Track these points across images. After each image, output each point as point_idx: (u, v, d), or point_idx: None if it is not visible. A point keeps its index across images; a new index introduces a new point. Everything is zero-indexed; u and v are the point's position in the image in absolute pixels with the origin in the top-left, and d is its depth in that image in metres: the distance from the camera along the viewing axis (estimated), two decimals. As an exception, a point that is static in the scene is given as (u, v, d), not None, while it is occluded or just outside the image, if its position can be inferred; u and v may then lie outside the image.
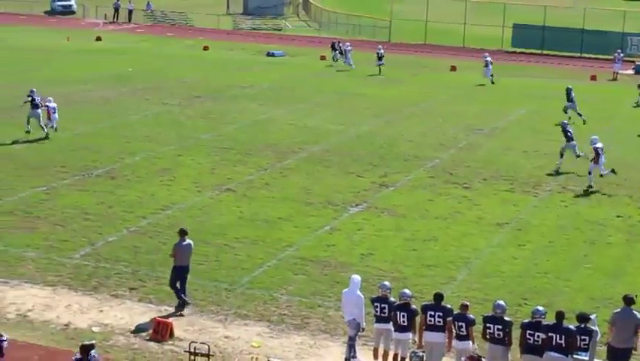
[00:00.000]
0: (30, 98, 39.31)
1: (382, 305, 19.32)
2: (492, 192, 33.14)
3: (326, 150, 38.43)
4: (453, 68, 64.64)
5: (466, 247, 27.26)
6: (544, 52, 76.48)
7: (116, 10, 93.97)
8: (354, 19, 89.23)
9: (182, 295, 22.23)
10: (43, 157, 35.48)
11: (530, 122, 46.44)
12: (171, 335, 20.62)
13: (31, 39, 73.50)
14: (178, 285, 22.20)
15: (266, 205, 30.62)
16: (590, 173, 33.80)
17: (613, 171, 33.95)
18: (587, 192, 33.35)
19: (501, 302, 18.72)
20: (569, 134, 36.50)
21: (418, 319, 19.04)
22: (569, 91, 46.27)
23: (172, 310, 22.07)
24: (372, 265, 25.33)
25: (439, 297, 19.06)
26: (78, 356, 16.12)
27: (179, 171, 34.36)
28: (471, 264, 25.89)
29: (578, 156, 36.10)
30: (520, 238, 28.19)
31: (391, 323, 19.22)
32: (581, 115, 45.27)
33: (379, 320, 19.41)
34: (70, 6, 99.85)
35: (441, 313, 18.78)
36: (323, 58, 68.02)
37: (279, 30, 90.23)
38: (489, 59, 57.95)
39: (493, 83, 56.92)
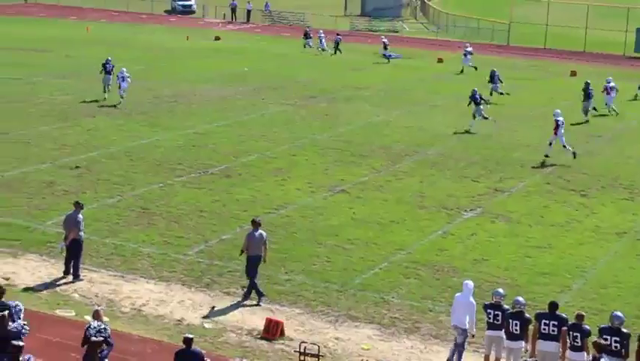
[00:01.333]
0: (105, 66, 46.74)
1: (495, 312, 19.04)
2: (610, 200, 32.41)
3: (441, 154, 38.13)
4: (573, 73, 63.38)
5: (582, 255, 26.71)
6: (669, 57, 74.60)
7: (233, 10, 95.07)
8: (472, 21, 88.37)
9: (257, 290, 22.60)
10: (160, 154, 36.05)
11: (652, 129, 45.34)
12: (282, 334, 20.69)
13: (153, 38, 74.88)
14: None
15: (379, 207, 30.53)
16: (550, 144, 37.72)
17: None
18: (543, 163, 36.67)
19: (619, 313, 18.20)
20: None
21: (530, 327, 18.71)
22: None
23: (284, 309, 22.16)
24: (485, 271, 25.00)
25: (554, 306, 18.68)
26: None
27: (293, 171, 34.51)
28: (587, 273, 25.35)
29: None
30: (639, 248, 27.50)
31: (503, 330, 18.93)
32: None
33: (491, 327, 19.13)
34: (191, 5, 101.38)
35: (555, 323, 18.40)
36: (440, 60, 67.59)
37: (396, 32, 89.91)
38: (469, 49, 61.71)
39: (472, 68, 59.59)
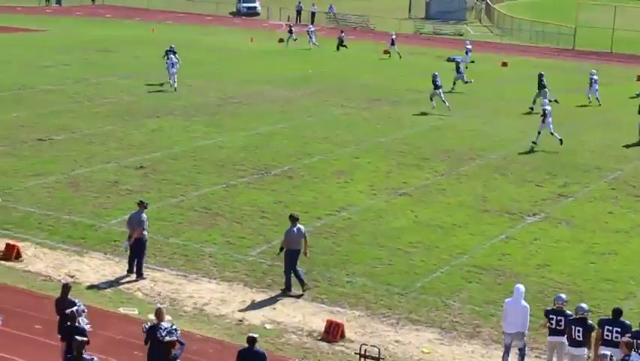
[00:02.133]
0: (167, 53, 51.51)
1: (558, 318, 18.87)
2: (677, 207, 31.95)
3: (504, 158, 37.88)
4: None
5: (647, 262, 26.37)
6: None
7: (298, 12, 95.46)
8: (538, 25, 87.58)
9: (300, 276, 23.12)
10: (224, 155, 36.28)
11: None
12: (342, 335, 20.72)
13: (217, 39, 75.39)
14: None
15: (441, 211, 30.42)
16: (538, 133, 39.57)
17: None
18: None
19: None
20: None
21: (593, 334, 18.52)
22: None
23: (345, 311, 22.20)
24: (548, 277, 24.79)
25: (618, 312, 18.47)
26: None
27: (356, 174, 34.52)
28: (652, 280, 25.02)
29: None
30: None
31: (565, 336, 18.76)
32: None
33: (553, 332, 18.97)
34: (255, 7, 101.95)
35: (619, 329, 18.18)
36: (504, 64, 67.13)
37: (461, 35, 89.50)
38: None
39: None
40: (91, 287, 22.94)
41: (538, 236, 28.25)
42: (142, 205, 23.86)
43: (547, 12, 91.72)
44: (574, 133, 43.21)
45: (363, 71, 61.11)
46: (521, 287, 19.43)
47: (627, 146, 40.80)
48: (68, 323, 16.86)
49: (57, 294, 18.68)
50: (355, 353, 19.52)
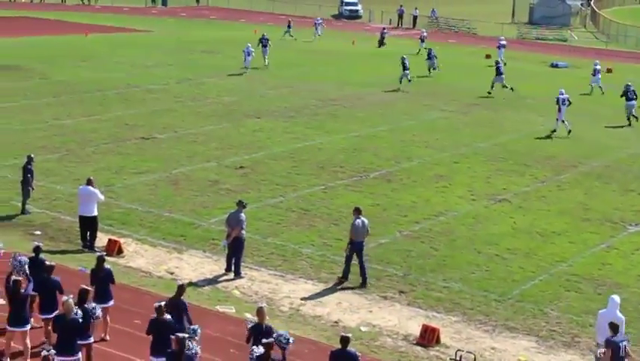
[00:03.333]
0: (261, 40, 59.99)
1: None
2: None
3: (606, 166, 37.26)
4: None
5: None
6: None
7: (400, 15, 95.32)
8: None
9: (364, 273, 23.68)
10: (323, 157, 36.42)
11: None
12: (437, 341, 20.62)
13: (319, 41, 75.70)
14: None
15: (541, 218, 30.06)
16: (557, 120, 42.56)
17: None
18: None
19: None
20: None
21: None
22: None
23: (441, 316, 22.10)
24: (650, 288, 24.32)
25: None
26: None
27: (455, 178, 34.33)
28: None
29: None
30: None
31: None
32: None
33: None
34: (357, 10, 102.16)
35: None
36: (609, 71, 65.88)
37: (564, 41, 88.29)
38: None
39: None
40: (189, 284, 23.17)
41: (640, 246, 27.76)
42: (241, 205, 24.10)
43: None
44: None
45: (463, 75, 60.71)
46: (616, 298, 19.05)
47: None
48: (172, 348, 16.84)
49: (157, 290, 19.01)
50: (450, 359, 19.44)
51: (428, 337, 20.66)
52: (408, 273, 24.64)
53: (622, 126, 45.79)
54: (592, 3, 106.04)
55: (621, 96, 47.54)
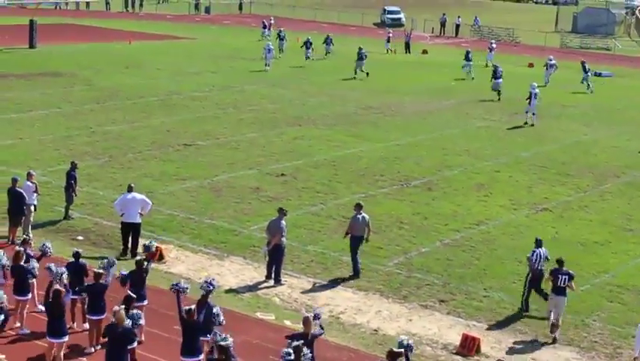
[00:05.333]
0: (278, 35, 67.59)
1: None
2: None
3: (650, 176, 36.96)
4: None
5: None
6: None
7: (442, 24, 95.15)
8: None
9: (357, 264, 24.67)
10: (363, 165, 36.41)
11: None
12: (478, 350, 20.53)
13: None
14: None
15: (583, 228, 29.85)
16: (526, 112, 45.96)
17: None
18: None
19: None
20: None
21: None
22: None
23: (481, 325, 22.00)
24: (694, 300, 24.05)
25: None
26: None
27: (496, 187, 34.17)
28: None
29: None
30: None
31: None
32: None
33: None
34: (399, 19, 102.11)
35: None
36: (653, 80, 65.45)
37: (608, 50, 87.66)
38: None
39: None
40: (229, 291, 23.32)
41: (684, 257, 27.47)
42: (282, 212, 24.16)
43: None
44: None
45: (506, 83, 60.28)
46: None
47: None
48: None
49: (197, 296, 19.09)
50: (490, 369, 19.34)
51: (468, 346, 20.57)
52: (448, 282, 24.56)
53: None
54: (637, 11, 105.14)
55: None
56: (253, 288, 23.69)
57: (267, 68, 60.11)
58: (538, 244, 23.13)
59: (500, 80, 53.22)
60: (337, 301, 23.12)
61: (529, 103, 46.15)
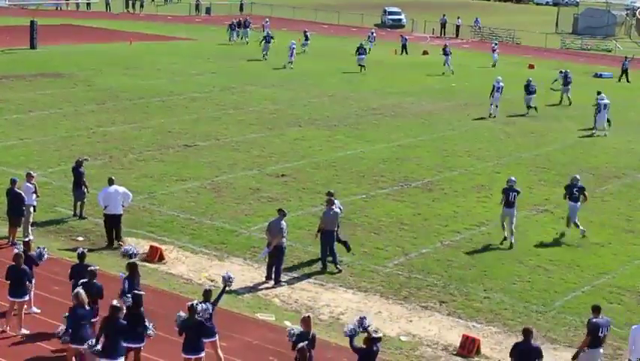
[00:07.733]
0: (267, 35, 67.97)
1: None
2: None
3: (651, 177, 36.95)
4: None
5: None
6: None
7: (443, 25, 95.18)
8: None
9: (335, 259, 25.02)
10: (364, 166, 36.41)
11: None
12: (478, 351, 20.53)
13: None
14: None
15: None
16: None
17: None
18: None
19: None
20: None
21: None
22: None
23: (481, 326, 21.99)
24: (694, 301, 24.03)
25: None
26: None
27: (496, 188, 34.06)
28: None
29: None
30: None
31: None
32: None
33: None
34: (400, 20, 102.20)
35: None
36: (654, 81, 65.45)
37: (609, 51, 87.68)
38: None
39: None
40: (230, 292, 23.26)
41: (684, 259, 27.45)
42: (282, 213, 24.16)
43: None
44: None
45: (506, 84, 60.28)
46: None
47: None
48: None
49: (197, 297, 19.08)
50: (490, 370, 19.33)
51: (468, 347, 20.57)
52: (448, 283, 24.56)
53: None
54: (637, 13, 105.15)
55: None
56: (253, 289, 23.68)
57: (290, 65, 63.00)
58: None
59: (533, 95, 50.85)
60: (338, 302, 23.11)
61: (492, 96, 48.39)
